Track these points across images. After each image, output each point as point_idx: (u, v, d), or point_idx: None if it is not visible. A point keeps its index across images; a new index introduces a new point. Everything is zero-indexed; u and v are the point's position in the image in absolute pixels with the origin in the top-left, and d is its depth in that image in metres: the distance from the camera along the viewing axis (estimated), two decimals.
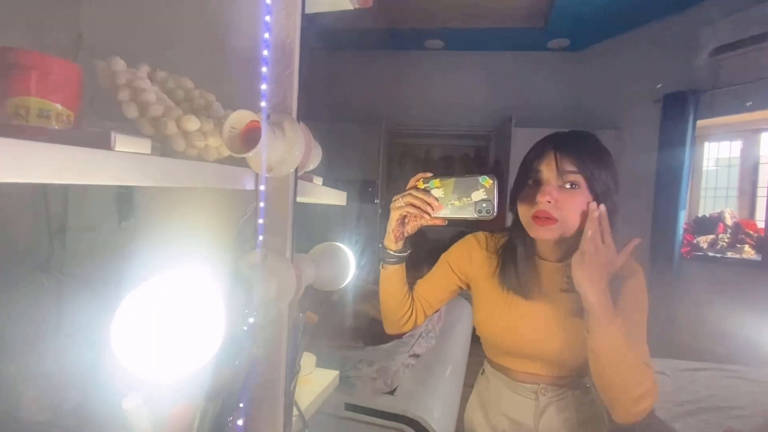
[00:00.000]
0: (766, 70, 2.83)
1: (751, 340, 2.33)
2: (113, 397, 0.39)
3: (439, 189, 0.75)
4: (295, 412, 0.70)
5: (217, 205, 0.55)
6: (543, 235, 0.76)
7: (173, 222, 0.56)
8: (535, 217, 0.75)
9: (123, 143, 0.32)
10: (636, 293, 0.78)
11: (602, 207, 0.71)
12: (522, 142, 4.44)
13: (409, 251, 0.84)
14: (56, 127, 0.34)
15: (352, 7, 0.83)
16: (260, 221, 0.50)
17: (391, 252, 0.82)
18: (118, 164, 0.32)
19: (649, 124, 3.84)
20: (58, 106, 0.35)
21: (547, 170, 0.75)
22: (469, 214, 0.72)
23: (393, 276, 0.85)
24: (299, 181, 0.61)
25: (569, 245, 0.79)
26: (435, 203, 0.74)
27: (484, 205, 0.71)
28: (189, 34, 0.58)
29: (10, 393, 0.42)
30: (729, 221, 3.30)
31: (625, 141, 4.28)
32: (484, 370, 0.98)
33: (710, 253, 3.34)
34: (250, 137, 0.46)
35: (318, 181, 0.70)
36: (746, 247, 3.12)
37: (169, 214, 0.56)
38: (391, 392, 2.15)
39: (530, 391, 0.86)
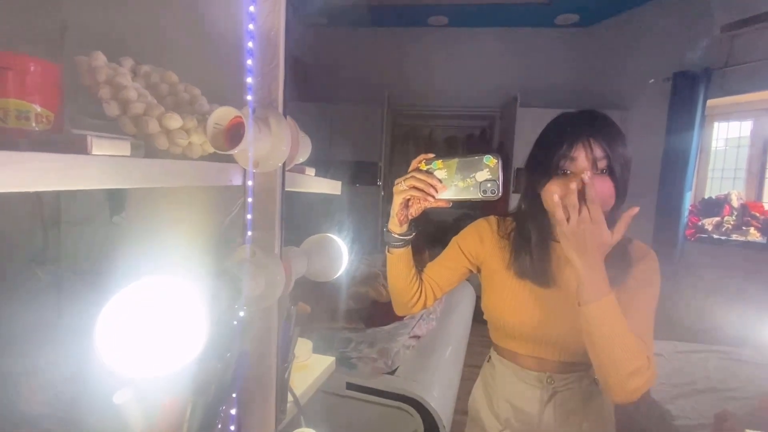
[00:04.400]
0: None
1: (753, 323, 2.34)
2: (108, 390, 0.40)
3: (442, 170, 0.73)
4: (290, 398, 0.71)
5: (206, 198, 0.55)
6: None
7: (163, 216, 0.56)
8: None
9: (100, 146, 0.31)
10: (647, 275, 0.77)
11: (585, 176, 0.67)
12: (527, 122, 4.37)
13: (414, 234, 0.83)
14: (36, 129, 0.34)
15: None
16: (248, 216, 0.50)
17: (396, 235, 0.81)
18: (98, 168, 0.32)
19: (658, 104, 3.75)
20: (37, 107, 0.35)
21: (583, 158, 0.73)
22: (474, 194, 0.71)
23: (399, 260, 0.85)
24: (290, 174, 0.61)
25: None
26: (438, 185, 0.73)
27: (489, 185, 0.70)
28: (174, 26, 0.57)
29: (9, 386, 0.44)
30: (735, 203, 3.26)
31: (632, 121, 4.19)
32: (490, 357, 0.98)
33: (715, 236, 3.32)
34: (235, 133, 0.45)
35: (311, 172, 0.69)
36: (752, 230, 3.09)
37: (159, 209, 0.57)
38: (392, 372, 2.20)
39: (537, 379, 0.86)
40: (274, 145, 0.47)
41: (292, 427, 0.70)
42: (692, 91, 3.42)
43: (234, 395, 0.51)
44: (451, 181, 0.73)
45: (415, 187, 0.73)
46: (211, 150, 0.44)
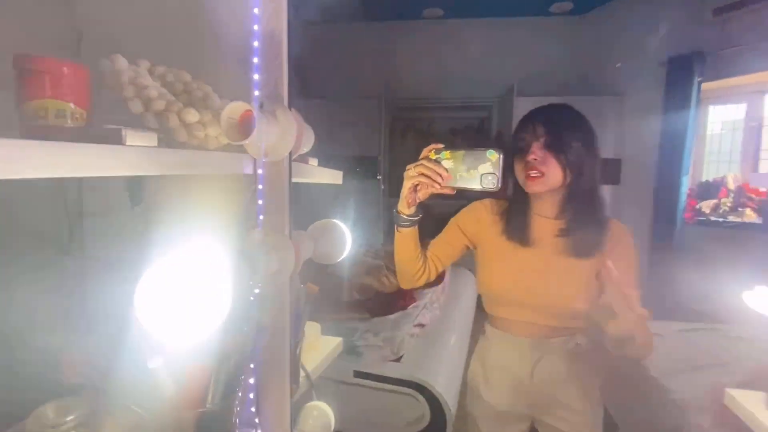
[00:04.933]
0: None
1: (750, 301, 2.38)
2: (141, 359, 0.45)
3: (449, 160, 0.80)
4: (302, 374, 0.76)
5: (219, 187, 0.60)
6: (534, 187, 0.90)
7: (180, 205, 0.61)
8: (527, 175, 0.89)
9: (133, 138, 0.36)
10: (626, 255, 0.91)
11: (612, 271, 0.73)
12: (525, 111, 4.38)
13: (420, 216, 0.91)
14: (71, 125, 0.39)
15: None
16: (260, 202, 0.55)
17: (405, 216, 0.90)
18: (130, 157, 0.36)
19: (653, 89, 3.77)
20: (72, 105, 0.39)
21: (530, 136, 0.90)
22: (475, 185, 0.78)
23: (406, 238, 0.94)
24: (295, 164, 0.65)
25: (561, 203, 0.93)
26: (445, 173, 0.80)
27: (489, 177, 0.77)
28: (183, 28, 0.61)
29: (50, 361, 0.49)
30: (732, 185, 3.30)
31: (629, 106, 4.22)
32: (484, 331, 1.09)
33: (712, 218, 3.36)
34: (246, 125, 0.50)
35: (314, 162, 0.74)
36: (747, 211, 3.13)
37: (175, 198, 0.61)
38: (398, 359, 2.25)
39: (527, 345, 0.97)
40: (282, 136, 0.52)
41: (304, 401, 0.75)
42: (687, 75, 3.44)
43: (252, 366, 0.56)
44: (457, 171, 0.79)
45: (423, 174, 0.81)
46: (225, 141, 0.49)
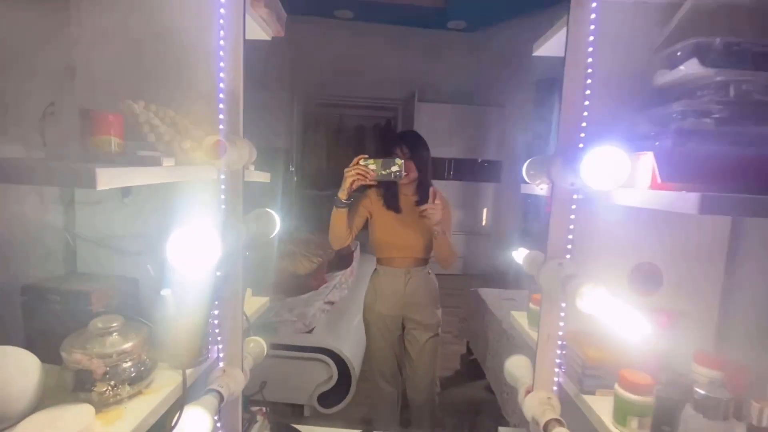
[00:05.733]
0: None
1: None
2: (156, 290, 0.73)
3: (373, 164, 1.41)
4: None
5: (188, 186, 0.88)
6: (403, 180, 1.51)
7: (160, 197, 0.86)
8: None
9: (166, 161, 0.65)
10: (448, 212, 1.64)
11: (432, 190, 1.45)
12: (424, 115, 4.96)
13: (352, 200, 1.52)
14: (118, 151, 0.66)
15: (268, 38, 1.15)
16: (222, 197, 0.86)
17: (343, 201, 1.49)
18: (162, 171, 0.65)
19: (527, 103, 4.57)
20: (118, 139, 0.66)
21: (399, 151, 1.61)
22: (390, 178, 1.42)
23: (342, 214, 1.54)
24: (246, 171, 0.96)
25: (416, 187, 1.66)
26: (371, 173, 1.41)
27: (398, 173, 1.41)
28: (167, 74, 0.86)
29: (83, 300, 0.74)
30: None
31: (508, 117, 5.02)
32: (376, 269, 1.80)
33: None
34: (217, 149, 0.80)
35: (252, 167, 1.05)
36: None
37: (157, 193, 0.87)
38: (309, 332, 2.57)
39: (402, 272, 1.71)
40: (239, 156, 0.83)
41: (245, 336, 1.06)
42: (550, 95, 4.27)
43: (216, 302, 0.87)
44: (378, 171, 1.41)
45: (359, 174, 1.41)
46: (204, 159, 0.79)
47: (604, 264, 0.93)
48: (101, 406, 0.65)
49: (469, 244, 5.09)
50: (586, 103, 0.80)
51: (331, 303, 3.04)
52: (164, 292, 0.73)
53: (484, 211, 5.32)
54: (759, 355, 0.74)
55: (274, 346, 2.47)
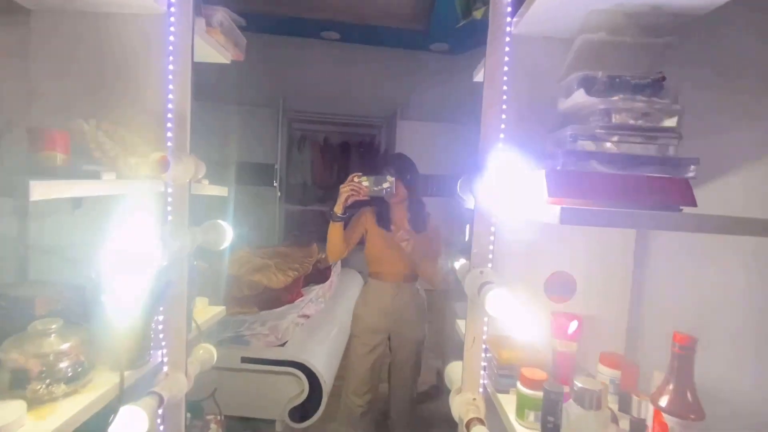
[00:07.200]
0: None
1: None
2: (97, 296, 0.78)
3: (366, 181, 1.52)
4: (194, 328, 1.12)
5: (134, 199, 0.94)
6: (396, 199, 1.68)
7: (113, 209, 0.92)
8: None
9: (106, 175, 0.71)
10: (437, 236, 1.77)
11: (401, 235, 1.59)
12: (406, 132, 5.08)
13: (348, 214, 1.63)
14: (63, 165, 0.72)
15: (227, 62, 1.24)
16: (168, 208, 0.92)
17: (338, 215, 1.61)
18: (102, 185, 0.71)
19: None
20: (63, 154, 0.72)
21: (386, 171, 1.64)
22: (381, 194, 1.53)
23: (338, 228, 1.66)
24: (194, 183, 1.02)
25: (407, 206, 1.75)
26: (365, 189, 1.52)
27: (389, 190, 1.52)
28: (121, 94, 0.94)
29: (28, 301, 0.79)
30: None
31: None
32: (367, 281, 1.89)
33: None
34: (163, 164, 0.86)
35: (205, 181, 1.11)
36: None
37: (106, 205, 0.93)
38: (282, 345, 2.59)
39: (392, 286, 1.78)
40: (185, 170, 0.90)
41: (195, 344, 1.11)
42: None
43: (161, 309, 0.92)
44: (371, 187, 1.52)
45: (353, 190, 1.53)
46: (150, 173, 0.85)
47: (524, 272, 1.00)
48: (36, 402, 0.70)
49: (451, 260, 5.13)
50: (503, 126, 0.88)
51: (306, 316, 3.06)
52: (104, 297, 0.78)
53: (467, 227, 5.40)
54: (662, 354, 0.81)
55: (246, 360, 2.48)
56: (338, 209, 1.58)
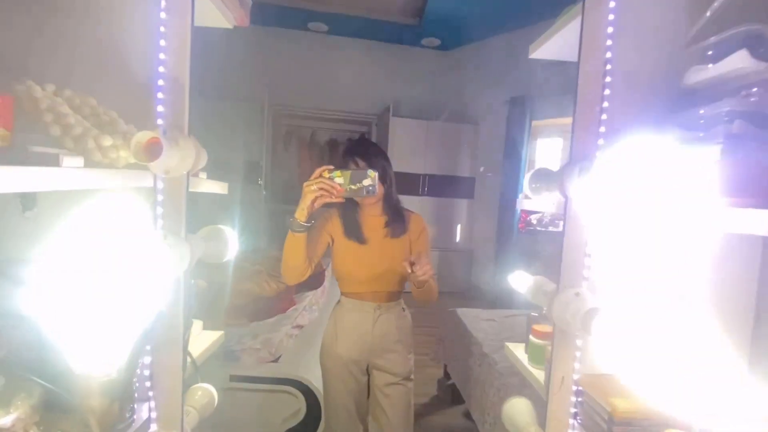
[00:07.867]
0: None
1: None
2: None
3: (340, 177, 1.08)
4: (189, 361, 0.87)
5: (106, 198, 0.69)
6: (369, 200, 1.28)
7: (73, 211, 0.67)
8: None
9: (67, 161, 0.47)
10: (424, 239, 1.38)
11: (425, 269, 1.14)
12: (398, 129, 4.88)
13: (313, 222, 1.16)
14: (2, 145, 0.47)
15: (230, 26, 0.99)
16: (159, 209, 0.67)
17: (301, 223, 1.13)
18: (62, 176, 0.47)
19: (500, 122, 4.59)
20: (1, 129, 0.47)
21: (352, 164, 1.26)
22: (361, 194, 1.09)
23: (300, 241, 1.18)
24: (193, 178, 0.78)
25: (382, 206, 1.32)
26: (338, 187, 1.08)
27: (370, 188, 1.08)
28: (88, 54, 0.68)
29: None
30: None
31: (482, 133, 5.02)
32: (339, 300, 1.43)
33: (538, 228, 4.22)
34: (151, 149, 0.62)
35: (203, 175, 0.86)
36: (562, 222, 4.03)
37: (69, 204, 0.67)
38: (275, 360, 2.34)
39: (370, 307, 1.35)
40: (182, 158, 0.65)
41: (191, 383, 0.86)
42: (522, 113, 4.29)
43: (148, 347, 0.67)
44: (347, 185, 1.08)
45: (323, 189, 1.07)
46: (132, 161, 0.60)
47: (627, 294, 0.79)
48: None
49: (442, 261, 4.98)
50: (605, 104, 0.68)
51: (300, 327, 2.82)
52: (64, 336, 0.54)
53: (458, 227, 5.25)
54: None
55: (236, 378, 2.22)
56: (301, 215, 1.12)
